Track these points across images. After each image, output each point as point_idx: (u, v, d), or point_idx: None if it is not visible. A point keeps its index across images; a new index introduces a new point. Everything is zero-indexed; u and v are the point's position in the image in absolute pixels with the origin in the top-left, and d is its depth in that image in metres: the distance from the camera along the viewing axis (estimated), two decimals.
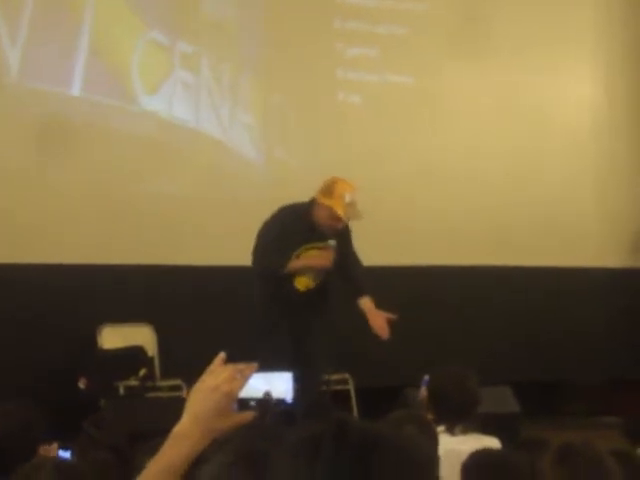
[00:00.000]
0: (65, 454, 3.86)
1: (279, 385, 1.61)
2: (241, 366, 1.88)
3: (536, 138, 9.37)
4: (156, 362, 7.68)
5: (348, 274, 6.35)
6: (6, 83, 7.72)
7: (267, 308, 6.23)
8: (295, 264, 6.15)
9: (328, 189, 6.16)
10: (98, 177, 7.87)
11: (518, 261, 9.06)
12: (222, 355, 1.90)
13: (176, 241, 7.99)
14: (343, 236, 6.34)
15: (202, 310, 7.71)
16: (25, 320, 7.31)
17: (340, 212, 6.09)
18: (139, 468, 3.28)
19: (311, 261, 6.20)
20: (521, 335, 8.87)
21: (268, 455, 1.41)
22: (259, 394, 1.75)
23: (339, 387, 7.73)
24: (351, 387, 7.84)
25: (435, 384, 4.48)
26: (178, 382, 7.38)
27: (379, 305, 7.87)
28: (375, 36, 9.01)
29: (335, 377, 7.67)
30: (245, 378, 1.86)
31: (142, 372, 7.44)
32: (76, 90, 7.90)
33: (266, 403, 1.72)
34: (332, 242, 6.20)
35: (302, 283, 6.27)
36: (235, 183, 8.28)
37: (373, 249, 8.54)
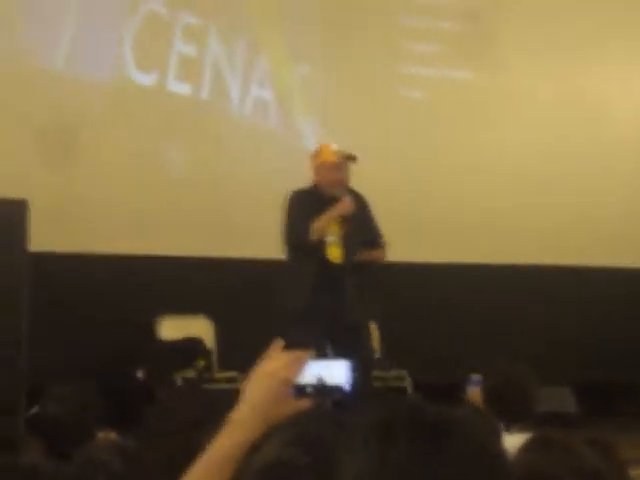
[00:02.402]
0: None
1: (336, 372, 1.60)
2: (297, 353, 1.88)
3: (595, 135, 9.25)
4: (214, 354, 7.72)
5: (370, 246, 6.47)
6: None
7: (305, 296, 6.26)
8: (318, 222, 6.18)
9: (314, 155, 6.46)
10: (150, 166, 7.94)
11: (575, 261, 8.97)
12: (278, 342, 1.90)
13: (236, 233, 8.03)
14: (360, 207, 6.40)
15: (259, 302, 7.72)
16: (86, 310, 7.38)
17: (330, 157, 6.29)
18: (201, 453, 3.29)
19: (330, 213, 6.22)
20: (581, 336, 8.78)
21: (329, 439, 1.39)
22: (314, 381, 1.75)
23: (396, 384, 7.72)
24: (408, 384, 7.81)
25: (492, 384, 4.42)
26: (235, 374, 7.41)
27: (437, 301, 7.86)
28: (436, 32, 8.99)
29: (392, 374, 7.66)
30: (301, 364, 1.86)
31: (200, 363, 7.48)
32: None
33: (322, 389, 1.71)
34: (342, 191, 6.29)
35: (334, 253, 6.28)
36: (284, 176, 8.25)
37: (428, 245, 8.54)
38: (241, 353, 7.37)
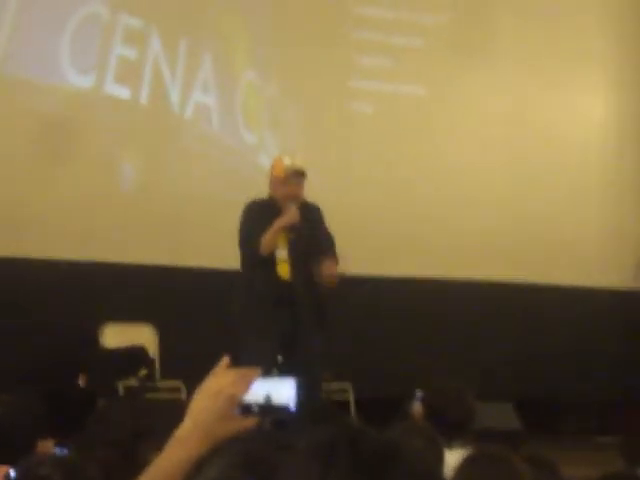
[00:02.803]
0: (62, 451, 3.84)
1: (282, 391, 1.59)
2: (244, 370, 1.87)
3: (543, 153, 9.37)
4: (156, 363, 7.67)
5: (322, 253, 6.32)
6: None
7: (255, 311, 6.21)
8: (267, 234, 6.10)
9: (270, 169, 6.40)
10: (98, 172, 7.88)
11: (521, 278, 9.05)
12: (226, 359, 1.89)
13: (180, 241, 7.99)
14: (312, 216, 6.33)
15: (204, 312, 7.70)
16: (28, 315, 7.30)
17: (280, 172, 6.21)
18: (143, 465, 3.26)
19: (276, 225, 6.13)
20: (523, 352, 8.85)
21: (272, 459, 1.39)
22: (261, 399, 1.75)
23: (339, 397, 7.72)
24: (351, 397, 7.81)
25: (432, 400, 4.45)
26: (178, 384, 7.37)
27: (382, 315, 7.87)
28: (388, 46, 9.03)
29: (335, 386, 7.66)
30: (248, 383, 1.85)
31: (142, 372, 7.43)
32: None
33: (267, 408, 1.71)
34: (291, 204, 6.21)
35: (284, 270, 6.24)
36: (229, 184, 8.20)
37: (377, 259, 8.57)
38: (184, 362, 7.39)
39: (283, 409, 1.88)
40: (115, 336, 7.64)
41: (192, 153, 8.28)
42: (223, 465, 1.76)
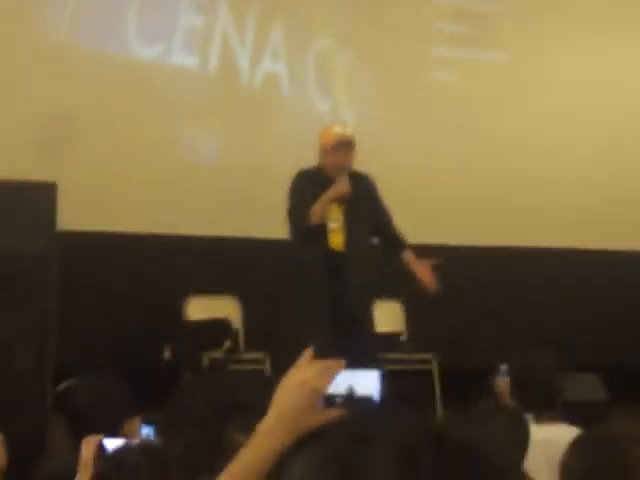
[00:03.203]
0: (148, 429, 3.88)
1: (366, 382, 1.59)
2: (329, 363, 1.86)
3: (635, 124, 9.16)
4: (240, 334, 7.72)
5: (384, 230, 6.30)
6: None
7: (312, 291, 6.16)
8: (316, 204, 6.04)
9: (319, 138, 6.27)
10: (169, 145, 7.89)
11: (610, 245, 8.90)
12: (309, 351, 1.89)
13: (259, 213, 7.99)
14: (361, 187, 6.24)
15: (286, 283, 7.70)
16: (112, 289, 7.40)
17: (329, 140, 6.12)
18: (227, 445, 3.27)
19: (325, 196, 6.05)
20: (608, 321, 8.73)
21: (359, 458, 1.36)
22: (344, 390, 1.75)
23: (421, 367, 7.69)
24: (434, 368, 7.78)
25: (519, 375, 4.38)
26: (262, 355, 7.41)
27: (464, 285, 7.81)
28: (469, 12, 8.90)
29: (418, 357, 7.64)
30: (332, 375, 1.84)
31: (227, 344, 7.49)
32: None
33: (351, 399, 1.71)
34: (342, 175, 6.12)
35: (336, 240, 6.14)
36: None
37: (461, 228, 8.50)
38: (268, 334, 7.43)
39: (367, 400, 1.87)
40: (199, 309, 7.71)
41: (264, 123, 8.23)
42: (308, 463, 1.74)
